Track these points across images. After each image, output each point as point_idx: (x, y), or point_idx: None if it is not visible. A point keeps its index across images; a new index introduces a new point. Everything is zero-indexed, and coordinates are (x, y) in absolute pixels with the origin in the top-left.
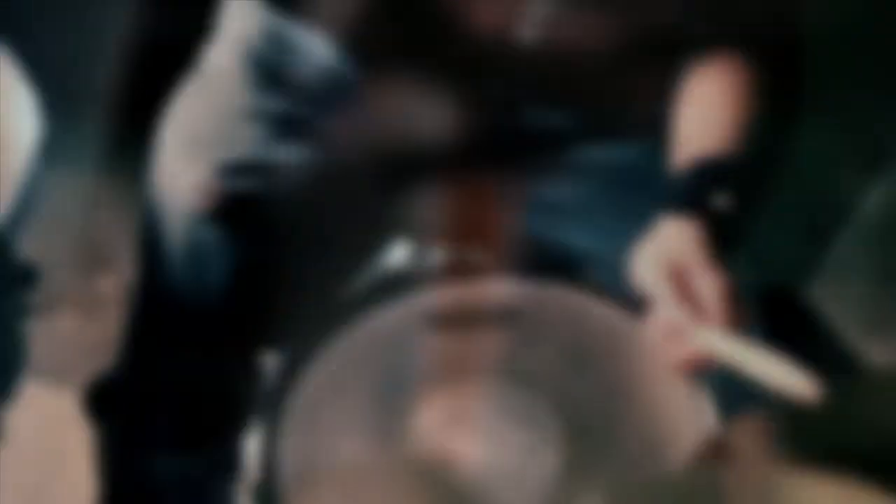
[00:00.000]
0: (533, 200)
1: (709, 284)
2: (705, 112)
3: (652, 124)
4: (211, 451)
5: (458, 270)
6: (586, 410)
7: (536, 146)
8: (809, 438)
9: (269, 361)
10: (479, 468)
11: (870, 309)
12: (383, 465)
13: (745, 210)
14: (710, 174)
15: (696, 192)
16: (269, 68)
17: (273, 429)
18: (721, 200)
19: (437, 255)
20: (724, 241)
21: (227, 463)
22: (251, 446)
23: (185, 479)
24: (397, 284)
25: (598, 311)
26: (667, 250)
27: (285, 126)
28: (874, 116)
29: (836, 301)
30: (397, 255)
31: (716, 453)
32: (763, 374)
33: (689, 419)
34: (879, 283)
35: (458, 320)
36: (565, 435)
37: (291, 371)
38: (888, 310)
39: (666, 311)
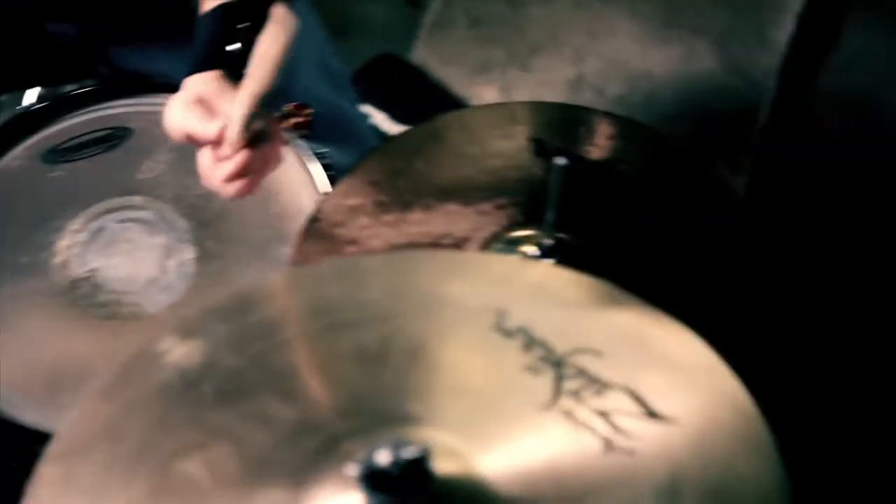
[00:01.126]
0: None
1: (229, 101)
2: None
3: None
4: None
5: (70, 103)
6: (207, 205)
7: None
8: (407, 176)
9: None
10: (123, 278)
11: (468, 56)
12: (35, 298)
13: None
14: (220, 23)
15: (210, 43)
16: None
17: None
18: (237, 42)
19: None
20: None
21: None
22: None
23: None
24: (17, 127)
25: None
26: (191, 94)
27: None
28: None
29: (438, 56)
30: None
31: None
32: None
33: (305, 191)
34: (471, 31)
35: (75, 149)
36: (194, 231)
37: None
38: (486, 53)
39: (202, 134)
